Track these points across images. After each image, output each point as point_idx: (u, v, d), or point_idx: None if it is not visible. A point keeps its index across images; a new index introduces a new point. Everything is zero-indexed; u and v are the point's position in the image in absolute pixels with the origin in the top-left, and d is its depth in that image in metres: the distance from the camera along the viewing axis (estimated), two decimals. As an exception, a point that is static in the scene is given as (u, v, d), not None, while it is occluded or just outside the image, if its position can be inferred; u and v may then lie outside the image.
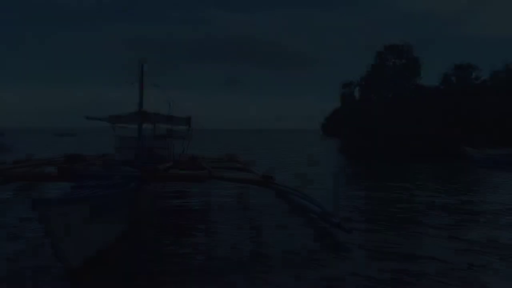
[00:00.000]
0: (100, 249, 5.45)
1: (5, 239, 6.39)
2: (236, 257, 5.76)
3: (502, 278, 5.12)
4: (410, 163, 21.39)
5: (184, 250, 6.18)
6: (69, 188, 6.34)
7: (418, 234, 7.14)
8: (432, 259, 5.57)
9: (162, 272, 5.21)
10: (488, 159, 21.02)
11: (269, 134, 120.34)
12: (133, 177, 6.90)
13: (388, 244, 6.40)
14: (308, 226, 7.64)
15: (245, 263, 5.54)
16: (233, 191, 11.68)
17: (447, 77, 30.72)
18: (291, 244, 6.42)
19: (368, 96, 32.32)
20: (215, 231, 7.23)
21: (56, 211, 4.44)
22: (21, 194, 10.87)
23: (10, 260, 5.51)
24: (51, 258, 4.90)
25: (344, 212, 9.06)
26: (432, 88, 30.26)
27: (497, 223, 8.04)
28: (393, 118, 27.08)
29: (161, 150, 10.61)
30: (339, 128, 42.99)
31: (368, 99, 31.11)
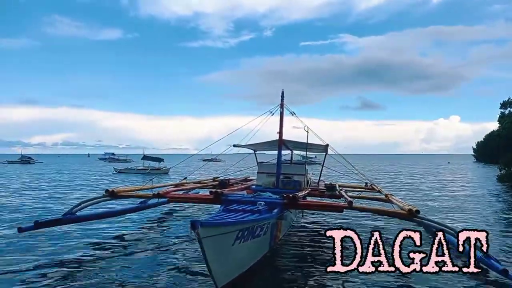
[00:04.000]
0: (244, 270, 5.84)
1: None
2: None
3: None
4: None
5: (311, 282, 6.14)
6: (219, 210, 7.01)
7: None
8: None
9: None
10: None
11: (413, 160, 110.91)
12: (276, 203, 7.24)
13: None
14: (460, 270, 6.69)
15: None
16: (372, 223, 11.17)
17: None
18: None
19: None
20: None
21: (209, 233, 4.86)
22: (179, 214, 12.58)
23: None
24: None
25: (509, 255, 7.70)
26: None
27: None
28: None
29: (298, 177, 10.89)
30: (496, 153, 37.01)
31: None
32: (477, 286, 6.04)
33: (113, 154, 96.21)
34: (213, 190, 8.04)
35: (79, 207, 8.51)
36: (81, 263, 6.86)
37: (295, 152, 13.69)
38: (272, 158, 11.79)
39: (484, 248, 6.33)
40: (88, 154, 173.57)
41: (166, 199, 8.87)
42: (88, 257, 7.24)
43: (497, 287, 5.87)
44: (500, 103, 32.29)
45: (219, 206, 7.53)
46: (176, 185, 11.52)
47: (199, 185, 12.24)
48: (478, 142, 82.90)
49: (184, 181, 13.02)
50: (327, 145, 11.05)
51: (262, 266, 6.57)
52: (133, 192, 9.31)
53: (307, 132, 10.76)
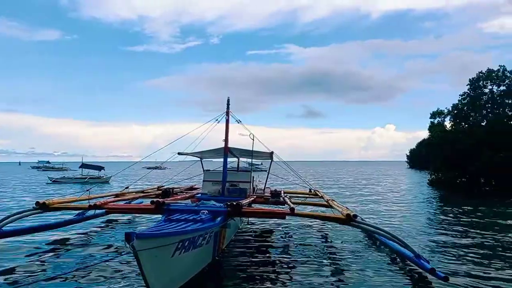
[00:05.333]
0: (184, 282, 5.70)
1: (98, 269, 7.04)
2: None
3: None
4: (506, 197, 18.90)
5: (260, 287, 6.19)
6: (160, 221, 6.79)
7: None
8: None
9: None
10: None
11: (354, 166, 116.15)
12: (220, 212, 7.18)
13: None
14: (395, 270, 7.12)
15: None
16: (316, 226, 11.55)
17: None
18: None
19: (461, 126, 29.72)
20: (294, 269, 7.11)
21: (146, 245, 4.64)
22: (118, 226, 12.01)
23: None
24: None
25: (437, 254, 8.32)
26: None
27: None
28: (491, 148, 24.42)
29: (244, 184, 10.95)
30: (427, 160, 40.01)
31: (461, 130, 28.55)
32: (410, 285, 6.41)
33: (47, 162, 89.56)
34: (155, 199, 7.78)
35: (5, 221, 7.82)
36: (7, 279, 6.27)
37: (242, 159, 13.75)
38: (218, 166, 11.75)
39: (415, 249, 6.87)
40: (19, 162, 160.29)
41: (104, 210, 8.42)
42: (14, 274, 6.64)
43: (429, 285, 6.27)
44: (430, 113, 35.25)
45: (160, 216, 7.32)
46: (117, 195, 10.99)
47: (141, 194, 11.79)
48: (411, 149, 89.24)
49: (126, 190, 12.48)
50: (272, 152, 11.25)
51: (205, 276, 6.46)
52: (68, 204, 8.73)
53: (253, 139, 10.88)
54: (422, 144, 61.57)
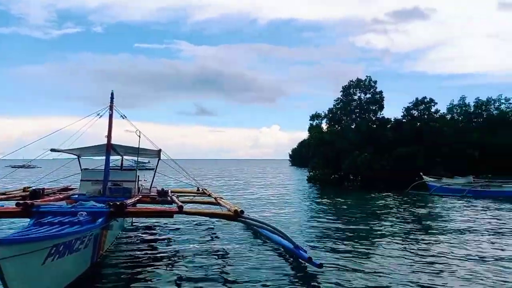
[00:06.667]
0: None
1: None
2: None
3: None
4: (374, 192, 22.03)
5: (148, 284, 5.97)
6: (29, 225, 6.01)
7: (382, 269, 7.26)
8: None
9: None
10: (442, 187, 22.73)
11: (243, 164, 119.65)
12: (101, 212, 6.65)
13: (358, 279, 6.46)
14: (277, 260, 7.60)
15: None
16: (205, 224, 11.60)
17: (409, 110, 32.21)
18: (260, 278, 6.37)
19: (335, 128, 33.28)
20: (180, 268, 7.03)
21: (11, 252, 4.12)
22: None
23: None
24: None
25: (313, 243, 9.15)
26: (397, 120, 31.59)
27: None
28: (359, 148, 27.92)
29: (128, 183, 10.33)
30: (306, 158, 43.73)
31: (336, 132, 31.96)
32: (290, 274, 6.89)
33: None
34: (21, 201, 6.81)
35: None
36: None
37: (127, 157, 12.97)
38: (100, 164, 10.83)
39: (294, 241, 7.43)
40: None
41: None
42: None
43: (307, 273, 6.83)
44: (309, 116, 39.16)
45: (29, 220, 6.45)
46: None
47: (3, 196, 10.18)
48: (293, 149, 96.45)
49: None
50: (160, 150, 10.85)
51: (83, 282, 5.91)
52: None
53: (139, 136, 10.34)
54: (303, 144, 67.24)
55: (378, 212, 15.16)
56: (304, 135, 66.41)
